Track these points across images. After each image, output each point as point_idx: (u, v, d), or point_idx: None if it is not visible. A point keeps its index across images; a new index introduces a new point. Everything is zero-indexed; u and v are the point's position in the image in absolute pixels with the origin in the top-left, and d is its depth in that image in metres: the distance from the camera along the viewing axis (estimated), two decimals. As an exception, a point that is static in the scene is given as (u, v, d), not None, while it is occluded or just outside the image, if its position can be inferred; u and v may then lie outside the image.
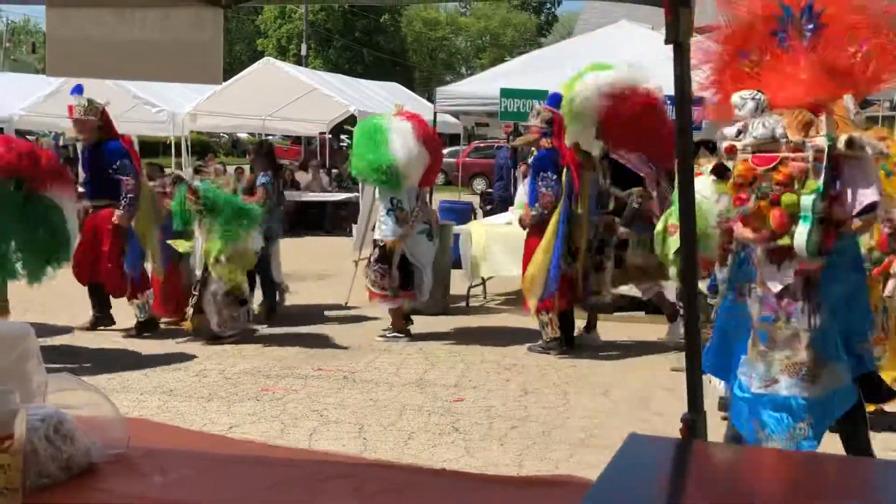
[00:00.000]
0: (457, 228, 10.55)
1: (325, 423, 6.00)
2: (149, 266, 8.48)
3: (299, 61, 37.61)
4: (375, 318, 9.07)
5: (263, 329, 8.86)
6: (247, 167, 11.75)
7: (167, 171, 10.21)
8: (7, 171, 6.72)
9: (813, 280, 4.34)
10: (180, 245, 8.37)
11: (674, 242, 7.20)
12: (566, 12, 66.63)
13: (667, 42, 2.71)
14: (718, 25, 4.64)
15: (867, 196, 4.25)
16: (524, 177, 8.34)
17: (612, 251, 8.23)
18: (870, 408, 4.98)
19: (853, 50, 4.42)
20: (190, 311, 8.23)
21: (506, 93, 11.17)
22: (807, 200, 4.21)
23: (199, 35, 3.24)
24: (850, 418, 4.50)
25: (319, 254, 14.65)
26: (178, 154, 18.00)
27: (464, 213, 13.60)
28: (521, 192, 8.37)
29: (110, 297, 8.49)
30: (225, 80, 14.70)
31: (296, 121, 20.71)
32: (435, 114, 12.69)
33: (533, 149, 8.62)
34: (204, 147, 30.15)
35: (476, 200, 17.80)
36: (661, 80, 7.48)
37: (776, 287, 4.37)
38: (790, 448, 4.19)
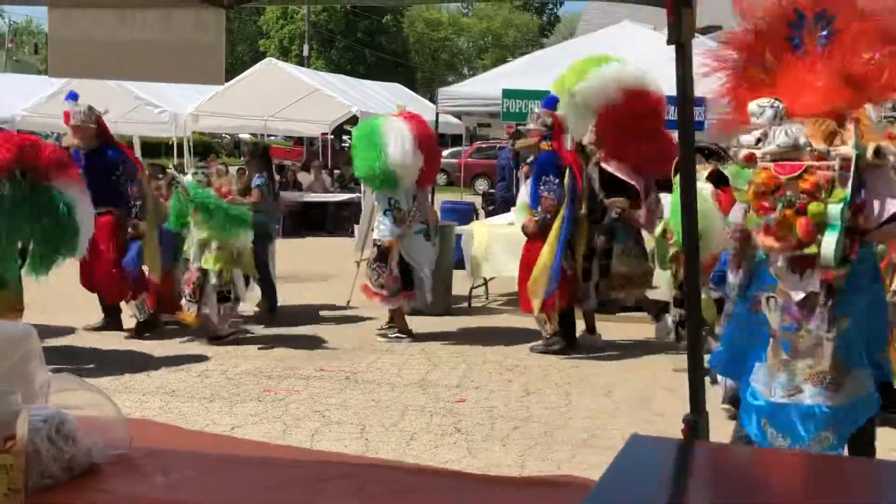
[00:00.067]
0: (459, 229, 10.56)
1: (327, 424, 6.00)
2: (146, 267, 8.48)
3: (301, 62, 37.62)
4: (377, 319, 9.07)
5: (265, 330, 8.86)
6: (249, 168, 11.72)
7: (169, 170, 10.19)
8: (9, 162, 6.71)
9: (835, 288, 4.31)
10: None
11: (671, 247, 7.21)
12: (568, 13, 66.76)
13: (669, 42, 2.71)
14: (732, 31, 4.63)
15: (894, 205, 4.22)
16: (526, 177, 8.33)
17: (596, 259, 8.23)
18: None
19: (867, 57, 4.40)
20: (185, 302, 8.20)
21: (508, 93, 11.17)
22: (835, 209, 4.15)
23: (201, 36, 3.24)
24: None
25: (321, 254, 14.66)
26: (181, 155, 18.03)
27: (466, 214, 13.59)
28: (524, 193, 8.36)
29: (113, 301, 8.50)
30: (227, 80, 14.72)
31: (298, 121, 20.72)
32: (437, 114, 12.69)
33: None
34: (206, 148, 30.19)
35: (478, 201, 17.78)
36: (664, 81, 7.48)
37: (799, 296, 4.33)
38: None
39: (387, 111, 10.21)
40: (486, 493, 2.31)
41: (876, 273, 4.54)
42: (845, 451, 4.39)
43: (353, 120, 17.03)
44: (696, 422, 2.87)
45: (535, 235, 7.93)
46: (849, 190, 4.17)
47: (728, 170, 5.28)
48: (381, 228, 8.46)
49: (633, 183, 7.98)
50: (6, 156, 6.59)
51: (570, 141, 8.16)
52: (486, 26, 62.15)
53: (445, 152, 29.74)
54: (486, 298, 10.76)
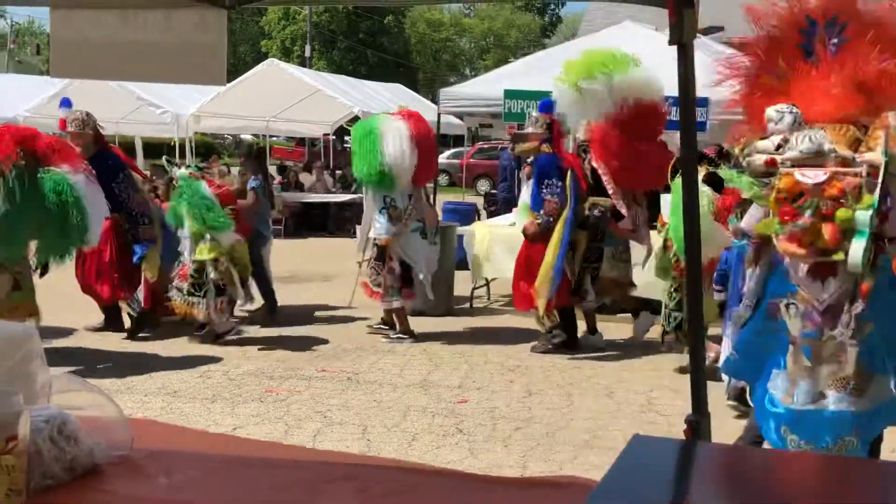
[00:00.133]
0: (461, 229, 10.57)
1: (329, 425, 6.00)
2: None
3: (303, 62, 37.68)
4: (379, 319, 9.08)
5: (266, 330, 8.87)
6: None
7: (160, 164, 10.18)
8: (11, 147, 6.71)
9: (857, 295, 4.30)
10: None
11: (672, 257, 7.21)
12: (570, 13, 66.77)
13: (671, 43, 2.71)
14: (745, 38, 4.63)
15: None
16: (528, 178, 8.32)
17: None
18: None
19: (879, 65, 4.40)
20: (175, 293, 8.19)
21: (509, 94, 11.17)
22: (864, 216, 4.12)
23: (202, 36, 3.24)
24: None
25: (323, 255, 14.66)
26: (182, 155, 18.03)
27: (467, 214, 13.60)
28: (525, 194, 8.37)
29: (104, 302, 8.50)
30: (229, 81, 14.72)
31: (300, 122, 20.74)
32: (439, 115, 12.70)
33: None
34: (208, 148, 30.18)
35: (480, 201, 17.79)
36: (665, 81, 7.48)
37: (822, 302, 4.33)
38: None
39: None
40: (487, 494, 2.30)
41: (893, 280, 4.52)
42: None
43: (355, 120, 17.03)
44: (698, 422, 2.87)
45: (536, 237, 7.94)
46: (877, 196, 4.14)
47: (723, 173, 5.26)
48: (377, 227, 8.49)
49: (610, 193, 8.00)
50: (8, 140, 6.60)
51: (573, 142, 8.15)
52: (488, 27, 62.18)
53: (447, 153, 29.79)
54: (488, 299, 10.76)
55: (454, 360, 7.83)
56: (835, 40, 4.45)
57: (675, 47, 2.72)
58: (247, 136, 28.84)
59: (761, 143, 4.46)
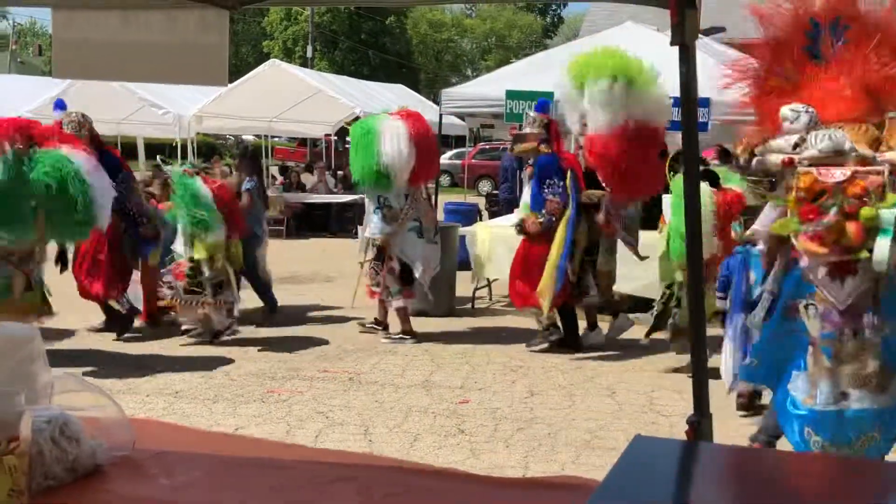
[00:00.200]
0: (462, 230, 10.57)
1: (331, 425, 6.00)
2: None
3: (305, 63, 37.69)
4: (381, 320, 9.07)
5: (268, 331, 8.87)
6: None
7: (158, 164, 10.19)
8: (8, 130, 6.71)
9: (878, 293, 4.29)
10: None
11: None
12: (572, 14, 66.74)
13: (672, 44, 2.70)
14: (752, 41, 4.63)
15: None
16: (530, 178, 8.32)
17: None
18: None
19: (884, 68, 4.40)
20: (167, 290, 8.19)
21: (511, 94, 11.17)
22: (889, 214, 4.10)
23: (204, 37, 3.24)
24: None
25: (325, 255, 14.66)
26: (185, 156, 18.03)
27: (469, 215, 13.60)
28: (527, 194, 8.37)
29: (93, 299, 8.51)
30: (231, 82, 14.70)
31: (301, 122, 20.73)
32: (440, 115, 12.69)
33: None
34: (210, 149, 30.21)
35: (482, 202, 17.80)
36: (667, 82, 7.47)
37: (842, 302, 4.31)
38: (860, 456, 4.21)
39: (390, 112, 10.17)
40: (489, 495, 2.31)
41: None
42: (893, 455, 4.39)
43: (357, 121, 17.03)
44: (700, 423, 2.87)
45: (534, 236, 7.95)
46: None
47: (718, 170, 5.26)
48: (371, 226, 8.50)
49: (603, 185, 7.98)
50: (6, 125, 6.62)
51: (574, 142, 8.14)
52: (490, 27, 62.20)
53: (449, 153, 29.78)
54: (490, 300, 10.75)
55: (456, 361, 7.83)
56: (839, 42, 4.45)
57: (676, 48, 2.72)
58: (248, 137, 28.86)
59: (776, 143, 4.44)
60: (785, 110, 4.43)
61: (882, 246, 4.12)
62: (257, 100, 17.70)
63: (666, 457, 2.03)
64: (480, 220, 13.55)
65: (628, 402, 6.70)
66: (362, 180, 8.49)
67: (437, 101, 16.50)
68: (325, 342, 8.46)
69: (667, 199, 7.32)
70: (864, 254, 4.16)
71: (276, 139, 28.65)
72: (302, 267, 12.97)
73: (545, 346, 8.15)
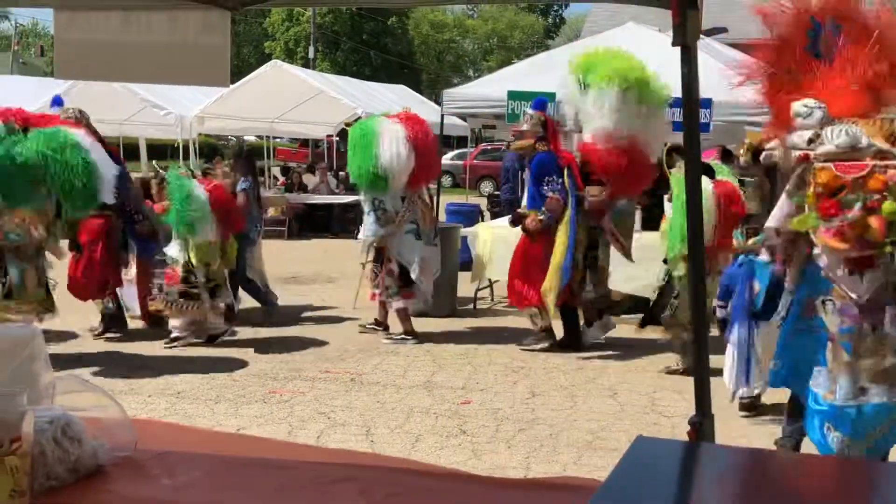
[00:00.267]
0: (464, 230, 10.57)
1: (333, 426, 6.00)
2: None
3: (307, 64, 37.74)
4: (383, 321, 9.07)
5: (269, 331, 8.87)
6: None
7: (155, 166, 10.20)
8: (3, 114, 6.74)
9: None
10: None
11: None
12: (574, 14, 66.77)
13: (674, 44, 2.71)
14: (757, 40, 4.63)
15: None
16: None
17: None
18: None
19: (881, 67, 4.40)
20: (157, 293, 8.19)
21: (513, 95, 11.16)
22: None
23: (206, 38, 3.24)
24: None
25: (326, 256, 14.66)
26: (186, 157, 18.05)
27: (471, 216, 13.60)
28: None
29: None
30: (232, 82, 14.70)
31: (303, 123, 20.76)
32: (442, 116, 12.69)
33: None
34: (212, 150, 30.23)
35: (483, 203, 17.79)
36: (668, 82, 7.47)
37: (861, 297, 4.29)
38: (872, 446, 4.26)
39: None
40: (491, 495, 2.31)
41: None
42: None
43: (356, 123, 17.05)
44: (702, 423, 2.87)
45: (534, 235, 7.96)
46: None
47: (713, 164, 5.25)
48: (366, 229, 8.51)
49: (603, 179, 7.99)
50: (3, 110, 6.68)
51: (575, 141, 8.14)
52: (492, 28, 62.21)
53: (451, 154, 29.80)
54: (492, 300, 10.75)
55: (458, 362, 7.83)
56: (839, 40, 4.46)
57: (678, 49, 2.72)
58: (250, 138, 28.87)
59: (791, 138, 4.43)
60: (797, 106, 4.42)
61: None
62: (259, 101, 17.71)
63: (668, 457, 2.03)
64: (482, 220, 13.54)
65: (630, 403, 6.69)
66: (359, 182, 8.49)
67: (438, 102, 16.50)
68: (327, 343, 8.46)
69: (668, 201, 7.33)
70: (888, 248, 4.16)
71: (278, 140, 28.68)
72: (304, 268, 12.98)
73: (537, 346, 8.13)
